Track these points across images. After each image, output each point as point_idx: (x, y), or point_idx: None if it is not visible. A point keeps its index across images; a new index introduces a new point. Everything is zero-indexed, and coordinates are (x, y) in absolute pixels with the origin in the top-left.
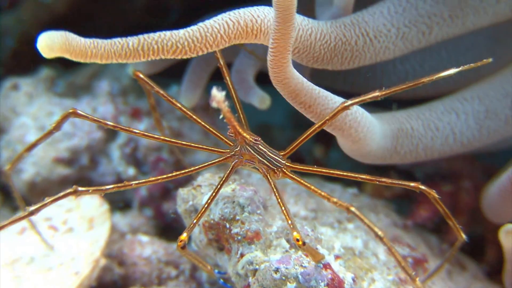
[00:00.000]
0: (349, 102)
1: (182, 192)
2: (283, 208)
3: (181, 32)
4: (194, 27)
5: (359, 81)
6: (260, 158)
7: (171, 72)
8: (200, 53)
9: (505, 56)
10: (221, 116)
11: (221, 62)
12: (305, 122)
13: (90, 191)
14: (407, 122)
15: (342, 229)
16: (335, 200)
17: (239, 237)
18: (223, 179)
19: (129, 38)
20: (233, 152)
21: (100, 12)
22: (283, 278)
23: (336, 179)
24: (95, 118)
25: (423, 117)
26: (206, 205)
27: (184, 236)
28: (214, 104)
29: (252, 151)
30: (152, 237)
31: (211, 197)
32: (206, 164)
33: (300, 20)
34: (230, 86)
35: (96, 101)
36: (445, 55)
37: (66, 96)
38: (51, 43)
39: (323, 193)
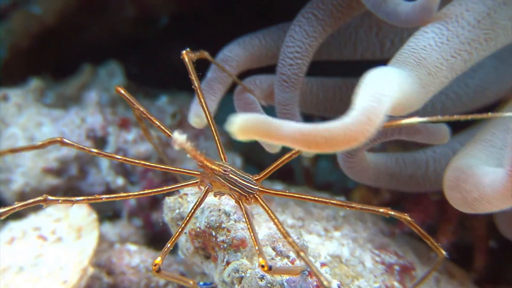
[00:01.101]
0: None
1: (169, 200)
2: (251, 234)
3: None
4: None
5: None
6: (231, 187)
7: (161, 82)
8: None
9: (509, 75)
10: (188, 155)
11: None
12: None
13: (60, 201)
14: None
15: (328, 237)
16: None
17: (225, 245)
18: (197, 203)
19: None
20: (205, 178)
21: (90, 24)
22: (269, 285)
23: (325, 188)
24: (80, 146)
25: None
26: (179, 230)
27: (158, 260)
28: (176, 147)
29: (223, 180)
30: (141, 246)
31: (187, 219)
32: (179, 185)
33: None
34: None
35: (85, 112)
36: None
37: (56, 107)
38: (245, 125)
39: (282, 230)
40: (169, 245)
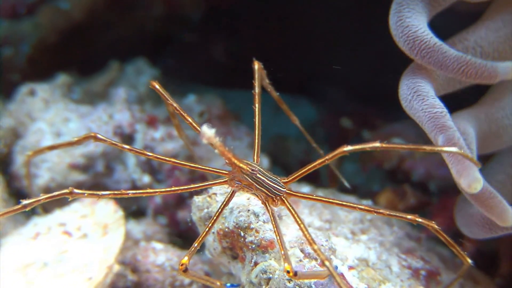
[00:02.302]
0: (349, 148)
1: (197, 199)
2: (278, 238)
3: None
4: None
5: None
6: (258, 186)
7: (196, 76)
8: None
9: None
10: (216, 151)
11: (256, 90)
12: (320, 135)
13: (86, 194)
14: None
15: (355, 240)
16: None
17: (253, 246)
18: (224, 203)
19: None
20: (233, 177)
21: (118, 21)
22: (296, 287)
23: (350, 190)
24: (113, 142)
25: None
26: (206, 229)
27: (185, 259)
28: (204, 141)
29: (250, 180)
30: (166, 244)
31: (214, 219)
32: (206, 184)
33: None
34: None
35: (112, 108)
36: None
37: (83, 103)
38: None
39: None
40: (196, 244)
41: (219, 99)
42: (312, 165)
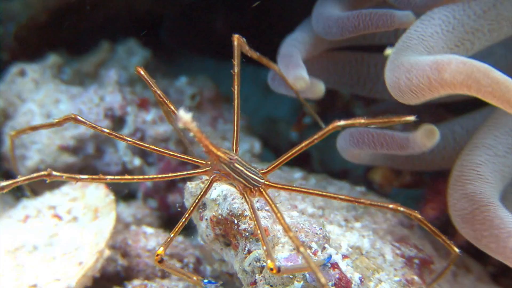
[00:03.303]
0: (341, 123)
1: (190, 186)
2: (258, 231)
3: None
4: None
5: (377, 87)
6: (236, 176)
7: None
8: None
9: None
10: (191, 134)
11: (236, 70)
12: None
13: (64, 177)
14: (494, 182)
15: (349, 228)
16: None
17: (247, 233)
18: (201, 193)
19: None
20: (211, 167)
21: (106, 1)
22: (290, 276)
23: (343, 174)
24: (93, 125)
25: (497, 168)
26: (182, 220)
27: (160, 250)
28: (181, 125)
29: (228, 169)
30: (157, 229)
31: (192, 207)
32: (185, 173)
33: None
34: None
35: (103, 90)
36: None
37: (73, 84)
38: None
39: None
40: (172, 235)
41: (211, 82)
42: (290, 153)
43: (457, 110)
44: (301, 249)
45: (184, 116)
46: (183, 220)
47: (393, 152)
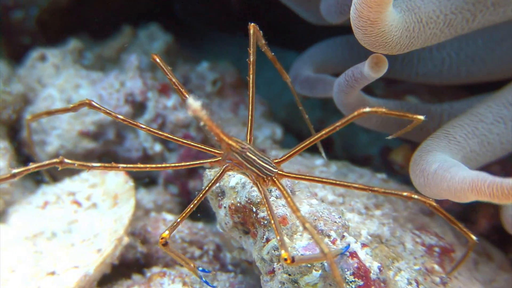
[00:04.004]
0: (367, 109)
1: (209, 173)
2: (272, 221)
3: None
4: None
5: (395, 68)
6: (248, 166)
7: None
8: None
9: None
10: (201, 123)
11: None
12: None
13: (76, 165)
14: (467, 145)
15: (369, 215)
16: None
17: (265, 222)
18: (212, 181)
19: None
20: (224, 156)
21: None
22: (309, 265)
23: (365, 160)
24: (107, 111)
25: (478, 133)
26: (191, 206)
27: (166, 233)
28: (190, 113)
29: (239, 158)
30: (177, 215)
31: (199, 197)
32: (198, 162)
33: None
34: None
35: (124, 75)
36: (481, 43)
37: (94, 69)
38: None
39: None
40: (179, 219)
41: (233, 67)
42: (306, 143)
43: (476, 90)
44: (307, 225)
45: (193, 104)
46: (191, 206)
47: (361, 83)
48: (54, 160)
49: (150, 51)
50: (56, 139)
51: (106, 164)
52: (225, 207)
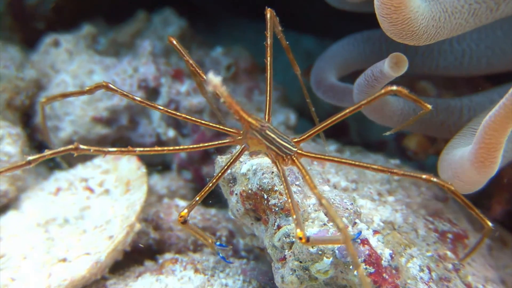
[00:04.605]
0: (394, 87)
1: (221, 160)
2: (289, 200)
3: None
4: None
5: (416, 61)
6: (268, 144)
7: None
8: None
9: None
10: (221, 100)
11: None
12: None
13: (92, 150)
14: None
15: (382, 202)
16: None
17: (277, 209)
18: (231, 160)
19: None
20: (243, 135)
21: None
22: (320, 252)
23: (380, 146)
24: (124, 92)
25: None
26: (209, 185)
27: (184, 212)
28: (210, 89)
29: (259, 136)
30: (190, 201)
31: (218, 176)
32: (216, 143)
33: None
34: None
35: (137, 61)
36: (501, 34)
37: (107, 54)
38: None
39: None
40: (197, 198)
41: (247, 52)
42: (325, 123)
43: (496, 80)
44: (323, 201)
45: (214, 79)
46: (210, 185)
47: (381, 82)
48: (70, 146)
49: (164, 36)
50: (69, 125)
51: (123, 149)
52: (236, 194)
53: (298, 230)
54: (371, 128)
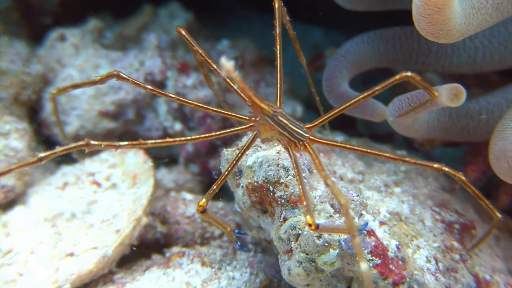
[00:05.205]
0: (409, 73)
1: (226, 152)
2: (300, 186)
3: None
4: None
5: (429, 60)
6: (280, 130)
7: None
8: None
9: None
10: (235, 86)
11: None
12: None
13: (103, 145)
14: None
15: (389, 193)
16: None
17: (283, 201)
18: (244, 148)
19: None
20: (255, 122)
21: None
22: (326, 244)
23: (387, 137)
24: (136, 81)
25: None
26: (225, 173)
27: (203, 201)
28: (224, 74)
29: (272, 122)
30: (197, 195)
31: (232, 164)
32: (228, 131)
33: None
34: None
35: (143, 55)
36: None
37: (114, 48)
38: None
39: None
40: (214, 187)
41: (253, 44)
42: (337, 110)
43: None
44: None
45: (227, 64)
46: (226, 173)
47: (428, 109)
48: (81, 142)
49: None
50: (76, 119)
51: (134, 142)
52: (242, 187)
53: (308, 217)
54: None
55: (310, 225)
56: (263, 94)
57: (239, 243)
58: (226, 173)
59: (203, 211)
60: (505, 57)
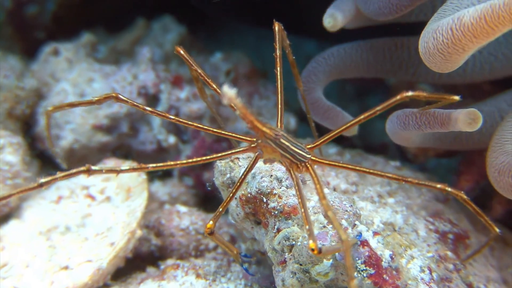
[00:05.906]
0: (409, 93)
1: (220, 164)
2: (302, 210)
3: None
4: None
5: (420, 70)
6: (282, 152)
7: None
8: None
9: None
10: (237, 112)
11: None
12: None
13: (104, 171)
14: None
15: (382, 203)
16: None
17: (276, 212)
18: (247, 169)
19: None
20: (256, 144)
21: None
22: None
23: (380, 148)
24: (135, 103)
25: None
26: (230, 195)
27: (210, 223)
28: (225, 102)
29: (274, 145)
30: (191, 207)
31: (237, 185)
32: (229, 152)
33: None
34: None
35: (137, 68)
36: (503, 39)
37: (107, 62)
38: None
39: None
40: (221, 209)
41: (246, 57)
42: (338, 130)
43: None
44: (329, 213)
45: (229, 92)
46: (231, 195)
47: (436, 130)
48: (82, 168)
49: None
50: (70, 133)
51: (135, 166)
52: (236, 198)
53: (311, 241)
54: (373, 131)
55: (313, 249)
56: (257, 106)
57: (245, 266)
58: (231, 195)
59: (210, 233)
60: (495, 67)
